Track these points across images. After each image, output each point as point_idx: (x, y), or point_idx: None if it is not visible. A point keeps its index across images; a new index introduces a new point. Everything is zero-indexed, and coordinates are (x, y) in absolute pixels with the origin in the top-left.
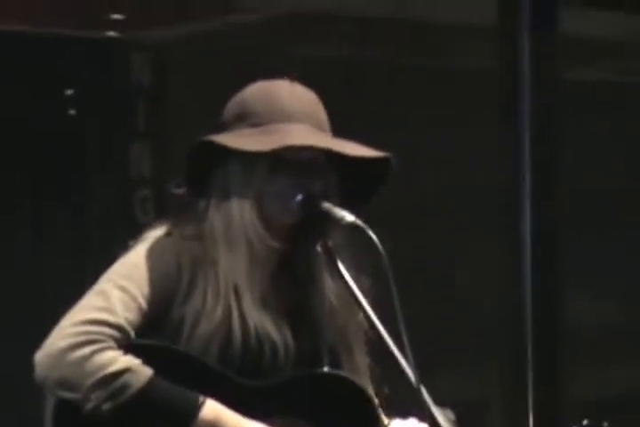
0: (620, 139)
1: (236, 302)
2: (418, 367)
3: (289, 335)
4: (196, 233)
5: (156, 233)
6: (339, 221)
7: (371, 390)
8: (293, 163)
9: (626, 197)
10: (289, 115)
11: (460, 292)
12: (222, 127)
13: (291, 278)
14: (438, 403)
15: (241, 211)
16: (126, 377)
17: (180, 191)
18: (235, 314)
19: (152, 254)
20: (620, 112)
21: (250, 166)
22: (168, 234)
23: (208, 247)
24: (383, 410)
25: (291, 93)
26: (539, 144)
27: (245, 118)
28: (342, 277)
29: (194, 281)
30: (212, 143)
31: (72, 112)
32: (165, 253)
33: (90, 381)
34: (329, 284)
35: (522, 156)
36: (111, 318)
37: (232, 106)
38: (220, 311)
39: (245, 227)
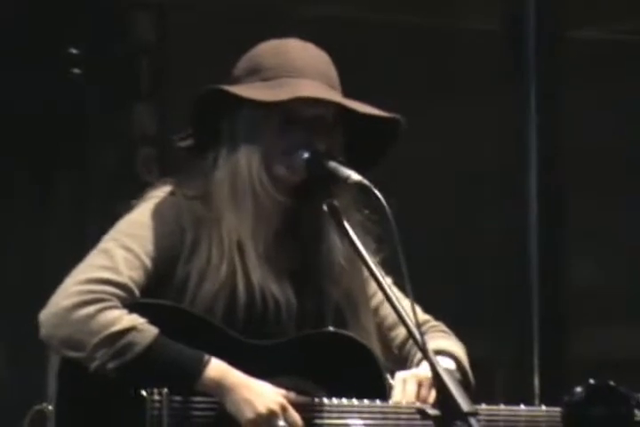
0: (627, 99)
1: (240, 261)
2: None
3: (292, 294)
4: (200, 192)
5: (159, 192)
6: (344, 180)
7: (376, 349)
8: (303, 118)
9: (633, 158)
10: (300, 70)
11: (465, 253)
12: (233, 81)
13: (296, 237)
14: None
15: (248, 164)
16: (131, 336)
17: (186, 144)
18: (239, 273)
19: (156, 213)
20: (627, 71)
21: (260, 119)
22: (172, 193)
23: (212, 205)
24: (388, 368)
25: (303, 50)
26: (544, 104)
27: (256, 73)
28: (348, 236)
29: (197, 240)
30: (221, 91)
31: (76, 71)
32: (169, 212)
33: (95, 339)
34: (334, 242)
35: (528, 118)
36: (115, 277)
37: (243, 61)
38: (224, 270)
39: (252, 179)
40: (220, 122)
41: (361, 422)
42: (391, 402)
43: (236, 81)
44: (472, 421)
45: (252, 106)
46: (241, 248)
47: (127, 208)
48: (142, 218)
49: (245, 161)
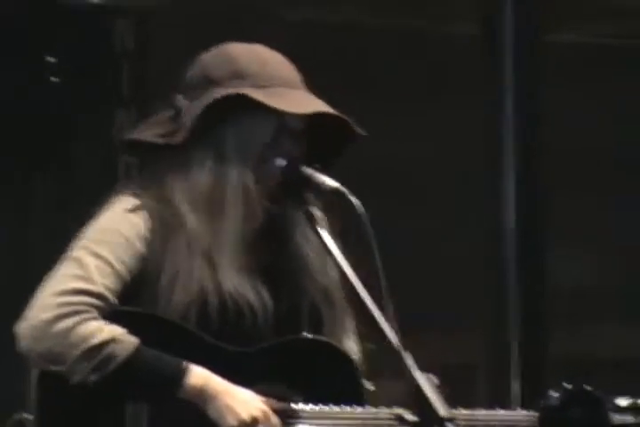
0: (608, 100)
1: (210, 268)
2: (401, 332)
3: (267, 296)
4: (162, 195)
5: (122, 196)
6: (319, 186)
7: (355, 351)
8: (294, 130)
9: (613, 156)
10: (286, 80)
11: (443, 253)
12: (213, 84)
13: (271, 241)
14: (423, 367)
15: (241, 175)
16: (111, 348)
17: (150, 142)
18: (210, 280)
19: (122, 218)
20: (607, 75)
21: (256, 127)
22: (135, 196)
23: (178, 209)
24: (368, 371)
25: (277, 57)
26: (522, 105)
27: (244, 77)
28: (324, 241)
29: (165, 245)
30: (238, 96)
31: (55, 79)
32: (135, 215)
33: (75, 353)
34: (311, 247)
35: (505, 120)
36: (91, 287)
37: (217, 63)
38: (194, 279)
39: (245, 189)
40: (207, 125)
41: None
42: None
43: (217, 83)
44: (449, 426)
45: (250, 113)
46: (210, 255)
47: (92, 215)
48: (109, 223)
49: (237, 171)
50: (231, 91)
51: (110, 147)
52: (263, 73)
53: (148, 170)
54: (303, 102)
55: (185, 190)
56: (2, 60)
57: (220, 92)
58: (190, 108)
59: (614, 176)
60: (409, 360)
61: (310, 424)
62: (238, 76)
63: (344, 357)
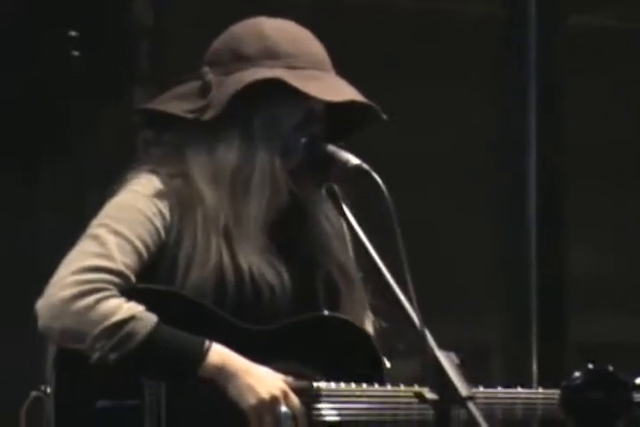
0: (629, 89)
1: (228, 245)
2: (421, 312)
3: (286, 276)
4: (180, 170)
5: (140, 172)
6: (343, 165)
7: (371, 329)
8: (321, 114)
9: (631, 149)
10: (320, 61)
11: (464, 239)
12: (243, 60)
13: (292, 220)
14: (442, 348)
15: (269, 156)
16: (131, 325)
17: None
18: (227, 257)
19: (141, 195)
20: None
21: (287, 110)
22: (152, 172)
23: (198, 186)
24: (385, 349)
25: (307, 35)
26: (545, 94)
27: (277, 57)
28: (347, 219)
29: (183, 222)
30: (271, 80)
31: (75, 53)
32: (153, 192)
33: (95, 330)
34: (332, 225)
35: (527, 108)
36: (110, 264)
37: (249, 39)
38: (212, 255)
39: (272, 172)
40: (237, 103)
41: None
42: (389, 386)
43: (249, 61)
44: (470, 405)
45: (283, 95)
46: (228, 232)
47: (109, 192)
48: (128, 200)
49: (264, 152)
50: (266, 73)
51: (128, 125)
52: (296, 53)
53: (168, 144)
54: (335, 88)
55: (208, 167)
56: (17, 38)
57: (254, 73)
58: (221, 84)
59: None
60: (429, 339)
61: (330, 402)
62: (271, 54)
63: (363, 334)
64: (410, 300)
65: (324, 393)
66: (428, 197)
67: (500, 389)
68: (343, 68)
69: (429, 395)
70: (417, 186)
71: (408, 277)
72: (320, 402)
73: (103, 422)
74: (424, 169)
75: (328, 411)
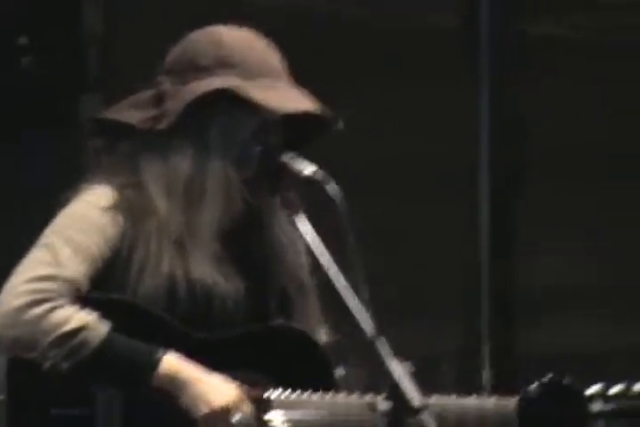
0: (584, 90)
1: (180, 256)
2: (374, 321)
3: (239, 285)
4: (132, 180)
5: (91, 182)
6: (297, 174)
7: (324, 339)
8: (277, 123)
9: (587, 152)
10: (276, 70)
11: (416, 245)
12: (200, 70)
13: (247, 230)
14: (397, 356)
15: (223, 166)
16: (83, 334)
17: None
18: (179, 268)
19: (93, 204)
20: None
21: (242, 118)
22: (105, 182)
23: (151, 196)
24: (338, 358)
25: (264, 44)
26: (499, 98)
27: (232, 66)
28: (299, 229)
29: (135, 232)
30: (222, 90)
31: (24, 61)
32: (106, 201)
33: (47, 340)
34: (286, 236)
35: (482, 111)
36: (62, 273)
37: (204, 48)
38: (163, 264)
39: (227, 182)
40: (191, 113)
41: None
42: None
43: (205, 71)
44: (423, 415)
45: (237, 105)
46: (181, 242)
47: (61, 203)
48: (81, 210)
49: (219, 161)
50: (221, 82)
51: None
52: (252, 62)
53: (121, 154)
54: (290, 98)
55: (161, 177)
56: None
57: (210, 83)
58: (176, 93)
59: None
60: (383, 349)
61: (283, 411)
62: (226, 63)
63: (314, 344)
64: (365, 309)
65: (277, 402)
66: (383, 203)
67: (452, 397)
68: (301, 75)
69: (382, 404)
70: (376, 191)
71: (363, 287)
72: (273, 411)
73: None
74: (379, 174)
75: (280, 420)
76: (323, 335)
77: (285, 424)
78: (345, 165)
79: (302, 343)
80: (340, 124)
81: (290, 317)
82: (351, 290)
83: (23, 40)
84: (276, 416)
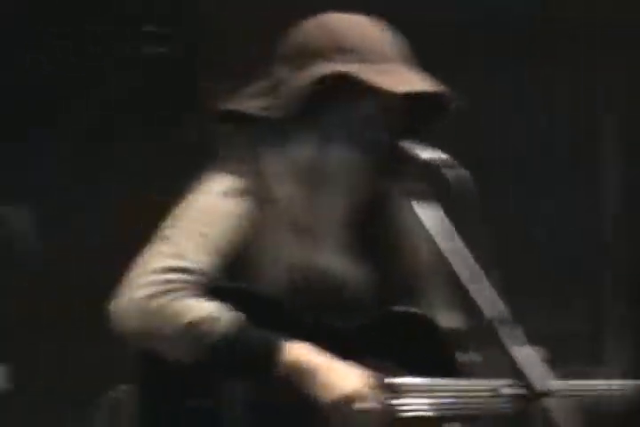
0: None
1: (304, 244)
2: (504, 306)
3: (363, 273)
4: (258, 169)
5: (216, 173)
6: (417, 160)
7: (451, 325)
8: (396, 105)
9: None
10: (392, 54)
11: (547, 228)
12: (314, 56)
13: (369, 216)
14: (532, 337)
15: (343, 151)
16: (208, 325)
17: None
18: (301, 256)
19: (214, 194)
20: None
21: (362, 104)
22: (229, 172)
23: (274, 184)
24: (464, 343)
25: (381, 30)
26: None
27: (348, 52)
28: (420, 215)
29: (257, 220)
30: (341, 74)
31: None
32: (227, 191)
33: (172, 331)
34: (410, 221)
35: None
36: (186, 264)
37: (319, 34)
38: (285, 253)
39: (347, 167)
40: (309, 99)
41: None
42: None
43: (319, 57)
44: (547, 401)
45: (354, 89)
46: (305, 231)
47: (187, 188)
48: (202, 200)
49: (339, 147)
50: (337, 67)
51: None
52: (367, 46)
53: (240, 143)
54: (408, 80)
55: (282, 164)
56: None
57: (325, 68)
58: (292, 80)
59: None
60: (507, 333)
61: (411, 398)
62: (342, 49)
63: (440, 330)
64: (494, 294)
65: (405, 388)
66: (516, 185)
67: (586, 381)
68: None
69: (506, 390)
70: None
71: (491, 271)
72: (401, 397)
73: (185, 421)
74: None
75: (409, 406)
76: (449, 321)
77: (415, 410)
78: (468, 150)
79: (428, 329)
80: (461, 105)
81: (415, 302)
82: (478, 275)
83: (149, 27)
84: (405, 402)
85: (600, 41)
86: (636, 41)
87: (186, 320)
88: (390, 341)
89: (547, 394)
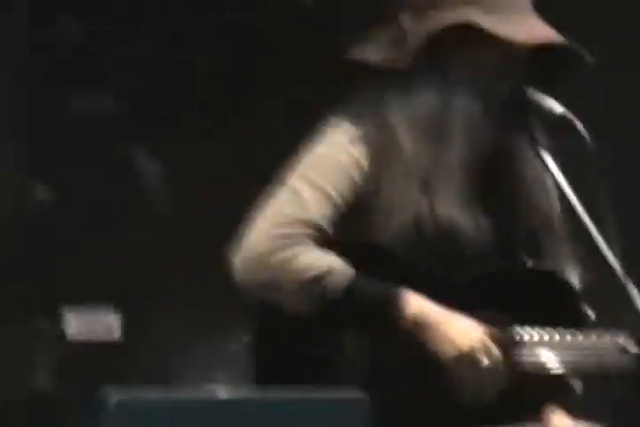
0: None
1: (428, 196)
2: (624, 262)
3: (486, 225)
4: (381, 121)
5: (339, 123)
6: (547, 112)
7: (576, 279)
8: (520, 55)
9: None
10: (517, 5)
11: None
12: (438, 6)
13: (493, 167)
14: None
15: (468, 102)
16: (329, 279)
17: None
18: (426, 208)
19: (339, 146)
20: None
21: (487, 55)
22: (353, 123)
23: (397, 135)
24: (587, 303)
25: None
26: None
27: (473, 2)
28: (547, 166)
29: (381, 171)
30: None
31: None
32: (353, 143)
33: (292, 284)
34: (533, 173)
35: None
36: (307, 217)
37: None
38: (410, 205)
39: (472, 117)
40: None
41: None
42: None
43: (445, 6)
44: None
45: (478, 39)
46: (428, 182)
47: (309, 136)
48: (327, 152)
49: (463, 98)
50: (461, 16)
51: None
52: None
53: (363, 93)
54: (535, 31)
55: (406, 116)
56: None
57: (450, 17)
58: (417, 29)
59: None
60: (633, 291)
61: (532, 352)
62: (467, 1)
63: (566, 285)
64: (613, 249)
65: (527, 343)
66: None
67: None
68: None
69: (632, 348)
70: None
71: (611, 228)
72: (522, 352)
73: (300, 370)
74: None
75: (531, 361)
76: (572, 276)
77: (537, 365)
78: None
79: (552, 284)
80: (589, 59)
81: (537, 255)
82: (599, 231)
83: None
84: (527, 357)
85: None
86: None
87: (307, 275)
88: (511, 294)
89: None
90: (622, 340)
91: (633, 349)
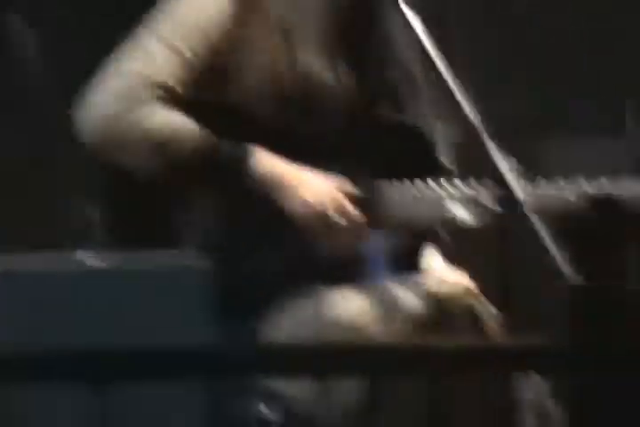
0: None
1: (289, 47)
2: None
3: (347, 77)
4: None
5: None
6: None
7: (436, 133)
8: None
9: None
10: None
11: None
12: None
13: (356, 19)
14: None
15: None
16: (178, 141)
17: None
18: (285, 60)
19: (198, 4)
20: None
21: None
22: None
23: None
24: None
25: None
26: None
27: None
28: (407, 19)
29: (241, 24)
30: None
31: None
32: (213, 1)
33: (142, 146)
34: (396, 28)
35: None
36: (159, 78)
37: None
38: (268, 58)
39: None
40: None
41: None
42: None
43: None
44: (525, 209)
45: None
46: (289, 34)
47: None
48: (185, 8)
49: None
50: None
51: None
52: None
53: None
54: None
55: None
56: None
57: None
58: None
59: None
60: (492, 146)
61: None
62: None
63: (424, 138)
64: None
65: (380, 199)
66: None
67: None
68: None
69: (486, 200)
70: None
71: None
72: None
73: (152, 233)
74: None
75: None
76: (433, 131)
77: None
78: None
79: (409, 136)
80: None
81: (397, 109)
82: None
83: None
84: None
85: None
86: None
87: (158, 136)
88: (371, 148)
89: (525, 203)
90: (475, 192)
91: (485, 200)
